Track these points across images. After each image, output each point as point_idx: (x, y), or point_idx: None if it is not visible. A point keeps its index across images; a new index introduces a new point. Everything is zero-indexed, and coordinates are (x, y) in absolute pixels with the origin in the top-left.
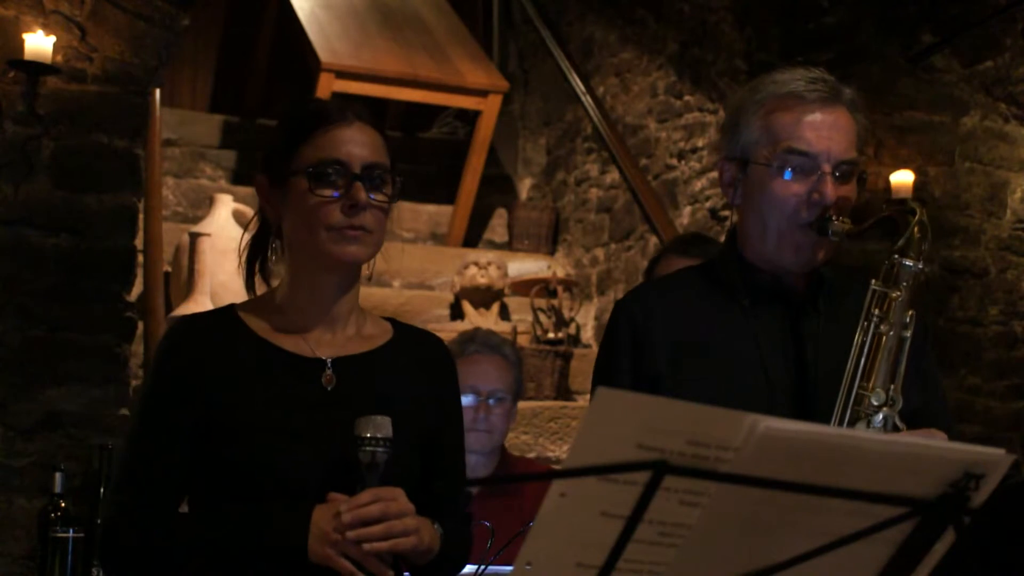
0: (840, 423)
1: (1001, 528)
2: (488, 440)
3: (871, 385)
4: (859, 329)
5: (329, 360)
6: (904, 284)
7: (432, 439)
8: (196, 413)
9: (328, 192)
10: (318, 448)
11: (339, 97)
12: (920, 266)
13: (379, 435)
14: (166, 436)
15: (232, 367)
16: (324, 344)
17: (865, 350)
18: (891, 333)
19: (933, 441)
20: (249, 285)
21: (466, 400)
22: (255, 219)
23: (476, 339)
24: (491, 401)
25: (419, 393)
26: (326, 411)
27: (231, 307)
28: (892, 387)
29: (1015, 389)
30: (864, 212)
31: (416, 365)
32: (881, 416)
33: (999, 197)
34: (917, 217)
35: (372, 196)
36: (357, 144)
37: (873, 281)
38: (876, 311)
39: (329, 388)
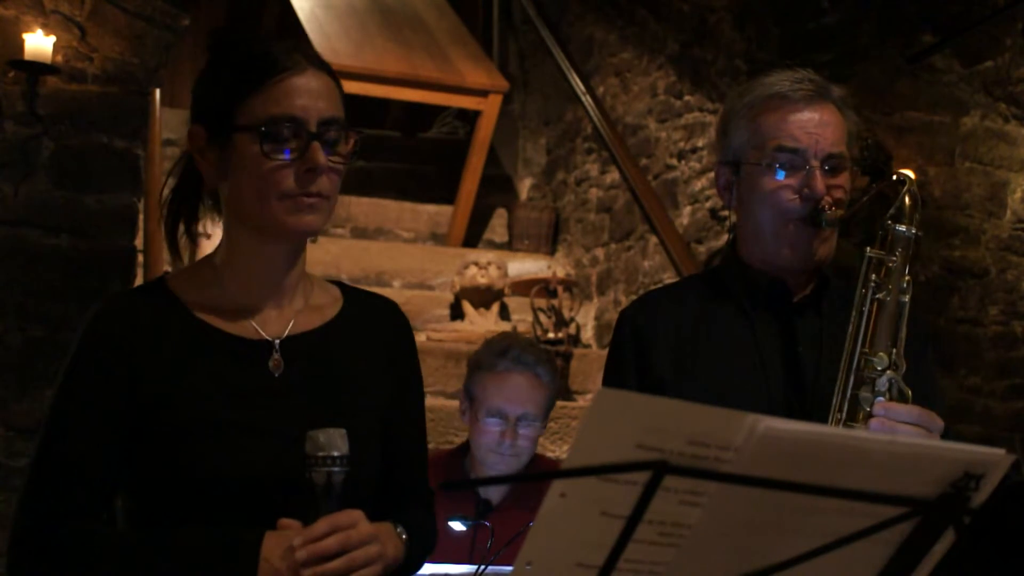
0: (844, 388)
1: (1001, 528)
2: (515, 463)
3: (874, 350)
4: (856, 296)
5: (276, 342)
6: (899, 250)
7: (390, 417)
8: (125, 408)
9: (283, 156)
10: (267, 443)
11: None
12: (913, 231)
13: (335, 453)
14: (89, 434)
15: (165, 353)
16: (270, 321)
17: (865, 316)
18: (889, 298)
19: (933, 441)
20: (172, 247)
21: (493, 423)
22: (178, 168)
23: (509, 353)
24: (520, 425)
25: (377, 367)
26: (275, 400)
27: (162, 279)
28: (894, 351)
29: (1015, 389)
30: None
31: (370, 335)
32: (885, 379)
33: (999, 197)
34: (907, 186)
35: (329, 157)
36: (312, 96)
37: (868, 248)
38: (873, 276)
39: (277, 374)
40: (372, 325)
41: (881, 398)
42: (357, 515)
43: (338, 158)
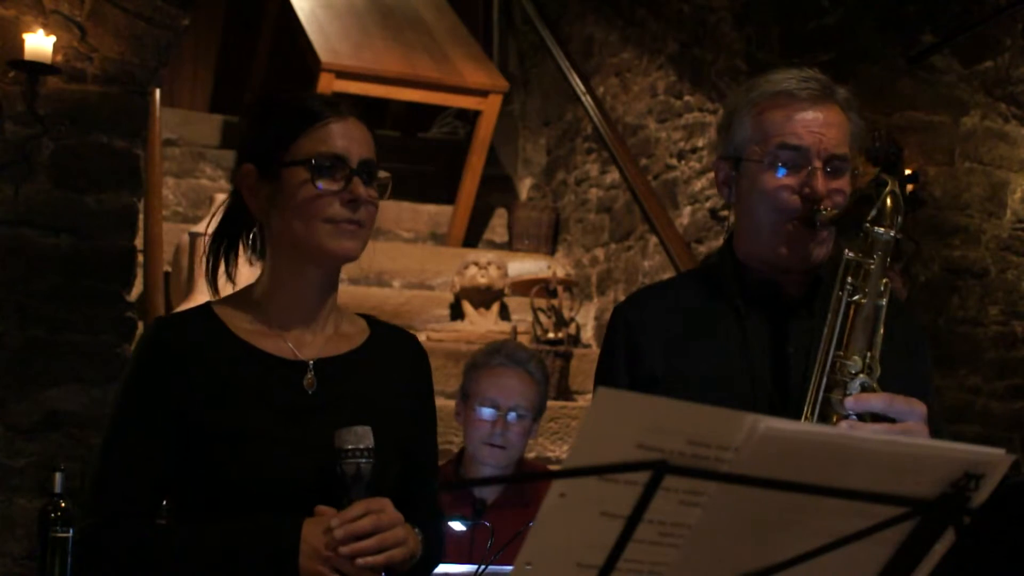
0: (817, 390)
1: (1001, 528)
2: (504, 455)
3: (848, 353)
4: (832, 298)
5: (311, 362)
6: (878, 253)
7: (410, 438)
8: (176, 417)
9: (329, 184)
10: (301, 452)
11: (336, 94)
12: (892, 234)
13: (361, 446)
14: (144, 442)
15: (212, 369)
16: (305, 345)
17: (840, 319)
18: (866, 302)
19: (933, 441)
20: (213, 285)
21: (485, 413)
22: (221, 209)
23: (502, 351)
24: (510, 416)
25: (398, 392)
26: (308, 415)
27: (207, 305)
28: (869, 355)
29: (1015, 389)
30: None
31: (394, 363)
32: (858, 383)
33: (999, 197)
34: (888, 188)
35: (367, 190)
36: (354, 140)
37: (847, 251)
38: (850, 279)
39: (311, 391)
40: (395, 354)
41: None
42: (386, 501)
43: (374, 193)
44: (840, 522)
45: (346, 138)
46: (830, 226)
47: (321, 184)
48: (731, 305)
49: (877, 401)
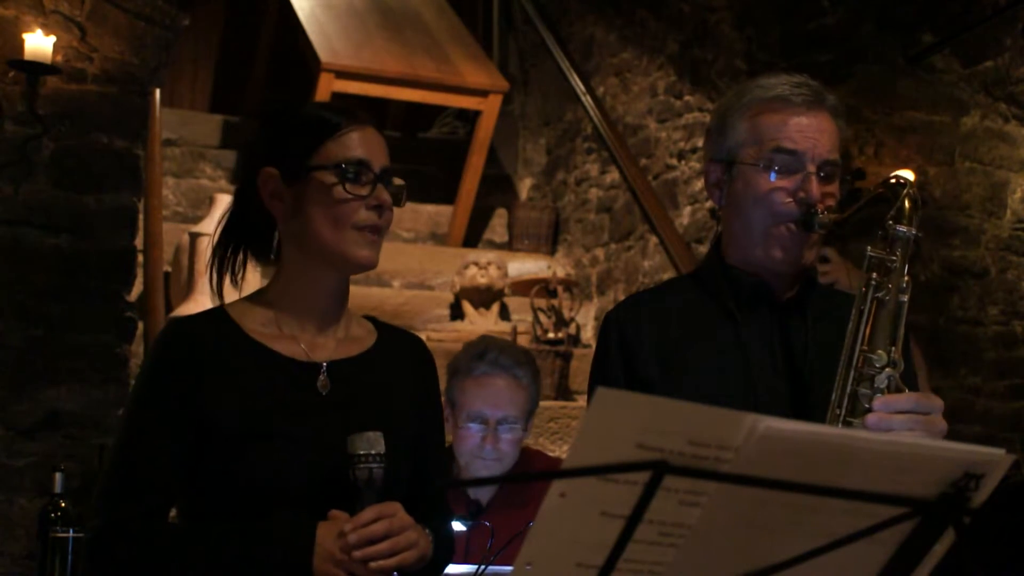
0: (844, 384)
1: (1001, 528)
2: (498, 467)
3: (872, 347)
4: (857, 294)
5: (324, 364)
6: (899, 250)
7: (420, 439)
8: (190, 419)
9: (356, 190)
10: (314, 453)
11: (343, 98)
12: (913, 232)
13: (373, 451)
14: (158, 442)
15: (227, 371)
16: (317, 347)
17: (864, 314)
18: (888, 297)
19: (933, 441)
20: (219, 293)
21: (473, 428)
22: (226, 216)
23: (486, 357)
24: (501, 428)
25: (407, 395)
26: (322, 416)
27: (221, 308)
28: (893, 349)
29: (1015, 389)
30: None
31: (402, 366)
32: (884, 376)
33: (999, 197)
34: (906, 189)
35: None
36: (375, 148)
37: (869, 248)
38: (874, 275)
39: (324, 393)
40: (403, 357)
41: (880, 395)
42: (397, 505)
43: (393, 200)
44: (840, 522)
45: (367, 146)
46: (828, 228)
47: (351, 189)
48: (724, 309)
49: (904, 401)
